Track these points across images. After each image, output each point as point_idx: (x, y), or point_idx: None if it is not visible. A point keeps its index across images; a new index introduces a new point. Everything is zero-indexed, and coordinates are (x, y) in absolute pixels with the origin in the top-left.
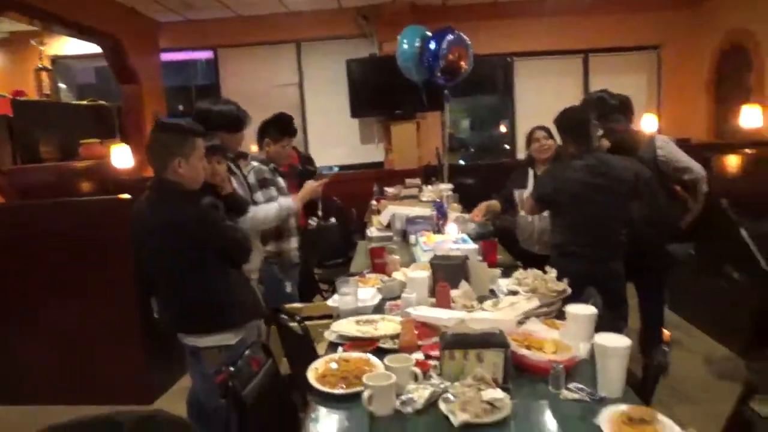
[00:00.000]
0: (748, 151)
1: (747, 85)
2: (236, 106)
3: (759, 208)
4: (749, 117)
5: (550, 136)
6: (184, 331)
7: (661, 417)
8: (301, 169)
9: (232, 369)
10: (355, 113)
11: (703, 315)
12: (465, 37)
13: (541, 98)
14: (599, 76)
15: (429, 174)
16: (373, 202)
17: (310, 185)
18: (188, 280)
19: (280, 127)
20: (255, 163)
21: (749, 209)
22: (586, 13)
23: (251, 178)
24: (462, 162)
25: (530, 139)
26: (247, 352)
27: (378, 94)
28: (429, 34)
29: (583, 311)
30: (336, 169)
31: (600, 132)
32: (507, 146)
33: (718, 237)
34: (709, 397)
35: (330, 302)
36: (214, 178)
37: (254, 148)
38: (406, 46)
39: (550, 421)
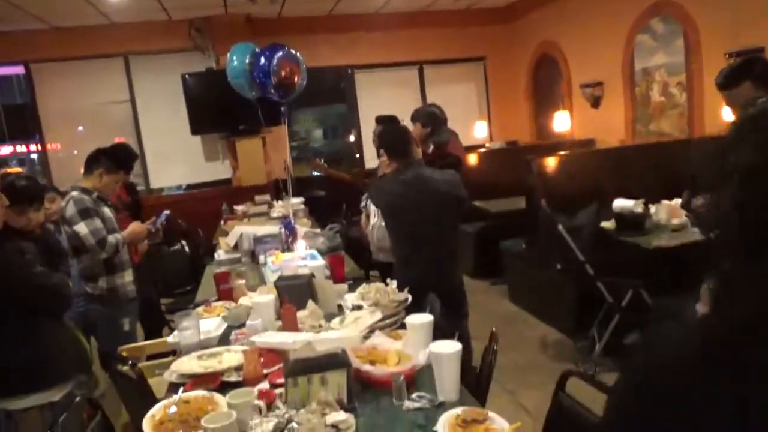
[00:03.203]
0: (561, 153)
1: (559, 92)
2: None
3: (572, 204)
4: (561, 121)
5: None
6: None
7: (492, 415)
8: (131, 201)
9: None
10: (195, 130)
11: (537, 304)
12: (296, 52)
13: (382, 108)
14: (434, 85)
15: (279, 189)
16: (221, 222)
17: (135, 228)
18: None
19: (119, 160)
20: (75, 193)
21: (564, 206)
22: (418, 27)
23: (70, 209)
24: (315, 173)
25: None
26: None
27: (218, 109)
28: (258, 50)
29: (419, 320)
30: (181, 189)
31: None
32: (358, 155)
33: (542, 233)
34: (550, 380)
35: (170, 339)
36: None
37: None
38: (236, 63)
39: None
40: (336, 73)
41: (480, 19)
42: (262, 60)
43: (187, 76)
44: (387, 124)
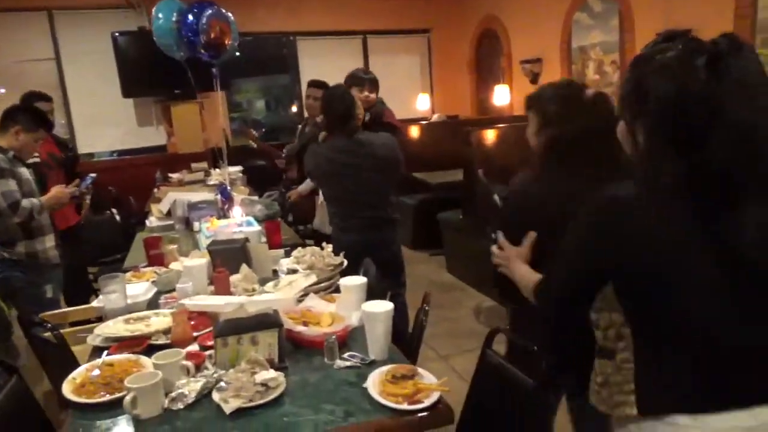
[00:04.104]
0: (500, 125)
1: (500, 67)
2: None
3: (508, 175)
4: (500, 96)
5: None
6: None
7: (420, 371)
8: (65, 157)
9: None
10: (127, 93)
11: (473, 273)
12: (226, 11)
13: (324, 77)
14: (378, 56)
15: (216, 157)
16: (155, 190)
17: (57, 192)
18: None
19: (38, 117)
20: None
21: (501, 177)
22: None
23: None
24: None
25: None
26: None
27: (152, 71)
28: (185, 7)
29: (353, 282)
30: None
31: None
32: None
33: (479, 203)
34: (482, 345)
35: (95, 303)
36: None
37: None
38: (161, 21)
39: (324, 391)
40: (276, 42)
41: None
42: (190, 17)
43: (117, 34)
44: (329, 87)
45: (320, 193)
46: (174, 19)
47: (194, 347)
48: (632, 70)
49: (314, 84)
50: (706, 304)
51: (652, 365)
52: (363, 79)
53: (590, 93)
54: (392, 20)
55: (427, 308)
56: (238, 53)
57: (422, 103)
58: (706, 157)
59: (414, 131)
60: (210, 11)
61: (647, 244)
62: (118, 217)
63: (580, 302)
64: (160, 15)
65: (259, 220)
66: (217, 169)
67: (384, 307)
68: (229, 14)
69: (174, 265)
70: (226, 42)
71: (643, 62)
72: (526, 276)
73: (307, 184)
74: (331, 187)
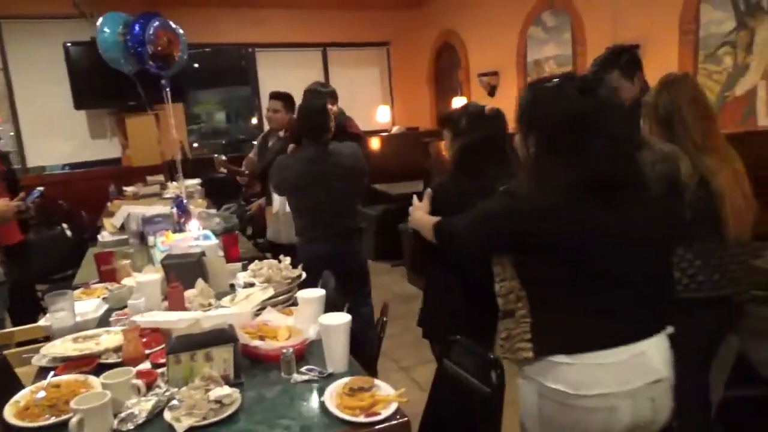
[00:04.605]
0: None
1: (458, 79)
2: None
3: None
4: None
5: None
6: None
7: (378, 382)
8: (7, 170)
9: None
10: (79, 105)
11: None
12: (172, 23)
13: (285, 89)
14: (338, 68)
15: (173, 170)
16: (108, 204)
17: (1, 206)
18: None
19: None
20: None
21: None
22: (322, 8)
23: None
24: (216, 155)
25: (288, 131)
26: None
27: (106, 83)
28: (131, 19)
29: (311, 294)
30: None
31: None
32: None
33: None
34: None
35: (42, 322)
36: None
37: None
38: (107, 34)
39: (281, 406)
40: (237, 52)
41: (384, 4)
42: (136, 29)
43: (69, 45)
44: (308, 100)
45: (273, 203)
46: (120, 31)
47: (146, 365)
48: (526, 94)
49: (275, 96)
50: (590, 267)
51: (544, 318)
52: (322, 92)
53: (489, 109)
54: (352, 33)
55: (385, 320)
56: (196, 65)
57: (382, 115)
58: (590, 159)
59: (375, 143)
60: (157, 22)
61: (541, 225)
62: (69, 232)
63: (481, 250)
64: (106, 28)
65: (216, 234)
66: (174, 182)
67: (341, 319)
68: (177, 26)
69: (126, 281)
70: (175, 53)
71: (534, 89)
72: (425, 218)
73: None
74: (301, 198)
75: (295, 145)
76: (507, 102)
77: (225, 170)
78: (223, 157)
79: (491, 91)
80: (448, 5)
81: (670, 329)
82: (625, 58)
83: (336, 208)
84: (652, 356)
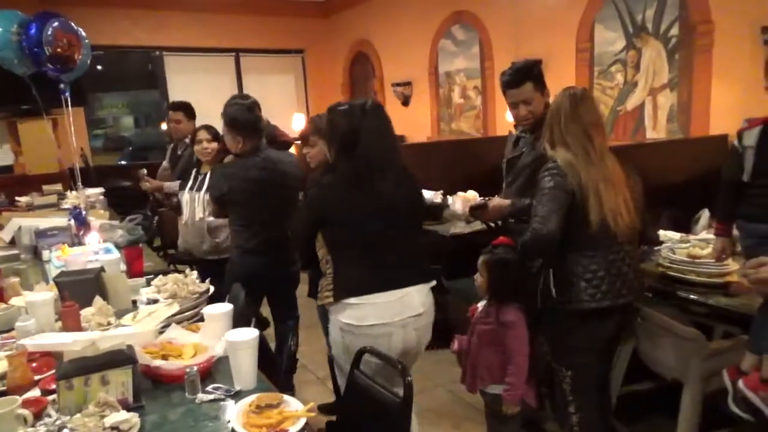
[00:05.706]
0: None
1: (372, 89)
2: None
3: None
4: None
5: (215, 138)
6: None
7: (286, 398)
8: None
9: None
10: None
11: None
12: (74, 24)
13: (195, 95)
14: (252, 75)
15: (74, 178)
16: None
17: None
18: None
19: None
20: None
21: None
22: (234, 13)
23: None
24: (123, 162)
25: (194, 140)
26: None
27: None
28: (28, 18)
29: (217, 310)
30: None
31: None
32: (172, 145)
33: None
34: None
35: None
36: None
37: None
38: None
39: (184, 428)
40: (144, 55)
41: (298, 11)
42: (33, 29)
43: None
44: (246, 107)
45: (184, 212)
46: (14, 30)
47: (35, 392)
48: (328, 113)
49: (176, 107)
50: (371, 232)
51: (340, 271)
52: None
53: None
54: (265, 39)
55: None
56: (99, 66)
57: (298, 123)
58: (359, 156)
59: (291, 151)
60: (56, 23)
61: (339, 206)
62: None
63: (310, 236)
64: None
65: (119, 247)
66: (74, 192)
67: (248, 335)
68: (79, 28)
69: (15, 300)
70: (76, 56)
71: (332, 110)
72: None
73: (173, 184)
74: (245, 207)
75: (235, 155)
76: (421, 111)
77: (148, 184)
78: (144, 171)
79: (405, 101)
80: (360, 15)
81: (432, 283)
82: (536, 70)
83: (277, 217)
84: (413, 297)
